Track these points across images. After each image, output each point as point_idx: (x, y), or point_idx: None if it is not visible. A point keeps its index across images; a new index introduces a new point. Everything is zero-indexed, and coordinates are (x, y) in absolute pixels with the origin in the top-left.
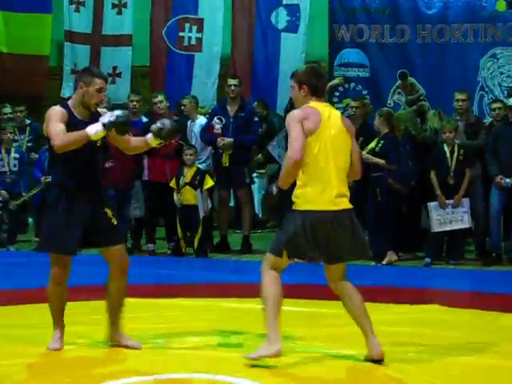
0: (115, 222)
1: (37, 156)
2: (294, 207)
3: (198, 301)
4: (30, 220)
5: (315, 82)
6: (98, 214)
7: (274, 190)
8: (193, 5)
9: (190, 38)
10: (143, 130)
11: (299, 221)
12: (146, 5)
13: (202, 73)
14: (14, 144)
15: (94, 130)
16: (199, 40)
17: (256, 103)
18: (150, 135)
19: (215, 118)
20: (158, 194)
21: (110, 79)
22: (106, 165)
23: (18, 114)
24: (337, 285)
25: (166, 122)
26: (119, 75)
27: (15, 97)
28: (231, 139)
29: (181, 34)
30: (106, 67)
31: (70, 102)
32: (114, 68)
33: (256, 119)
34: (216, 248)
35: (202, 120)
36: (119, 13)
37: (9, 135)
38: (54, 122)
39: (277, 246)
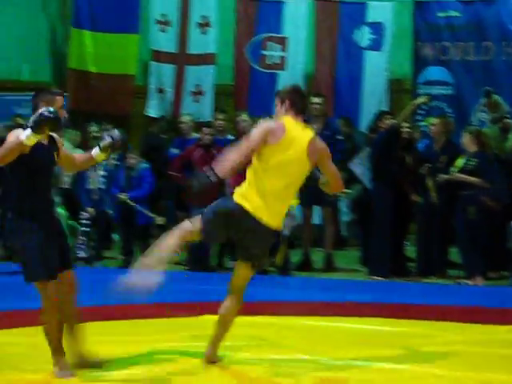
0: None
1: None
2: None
3: (280, 319)
4: (116, 236)
5: (295, 99)
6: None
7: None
8: (276, 24)
9: (273, 56)
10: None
11: (231, 204)
12: (230, 24)
13: None
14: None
15: (25, 134)
16: (282, 58)
17: (340, 121)
18: (96, 150)
19: None
20: None
21: (193, 97)
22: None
23: (101, 135)
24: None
25: (115, 134)
26: (203, 94)
27: (102, 115)
28: None
29: (264, 52)
30: (189, 86)
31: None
32: (198, 86)
33: (340, 137)
34: (298, 266)
35: None
36: (204, 32)
37: None
38: (7, 144)
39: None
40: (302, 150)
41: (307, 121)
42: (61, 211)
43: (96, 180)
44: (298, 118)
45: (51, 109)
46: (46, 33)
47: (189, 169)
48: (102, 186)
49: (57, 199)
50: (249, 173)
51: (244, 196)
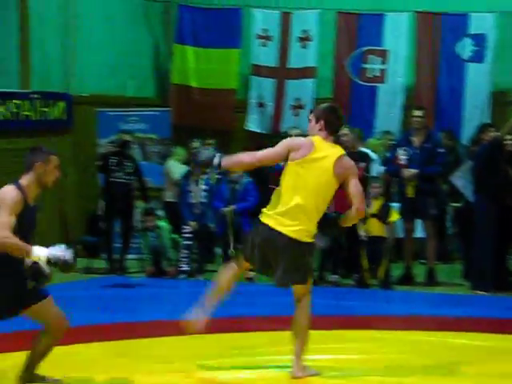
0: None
1: None
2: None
3: (382, 333)
4: (218, 250)
5: (331, 119)
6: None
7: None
8: (377, 37)
9: (373, 69)
10: None
11: (257, 226)
12: (330, 37)
13: (386, 104)
14: (203, 176)
15: (37, 254)
16: (383, 71)
17: (442, 134)
18: (36, 252)
19: (401, 149)
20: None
21: (293, 111)
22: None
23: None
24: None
25: (68, 254)
26: (302, 107)
27: (204, 130)
28: (416, 170)
29: (365, 65)
30: (289, 99)
31: (23, 183)
32: (298, 100)
33: (442, 150)
34: (400, 280)
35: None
36: (304, 46)
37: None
38: (7, 210)
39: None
40: (328, 166)
41: (337, 139)
42: (163, 224)
43: (198, 194)
44: (329, 138)
45: (67, 255)
46: (150, 49)
47: None
48: (204, 200)
49: (160, 213)
50: (275, 193)
51: (267, 215)
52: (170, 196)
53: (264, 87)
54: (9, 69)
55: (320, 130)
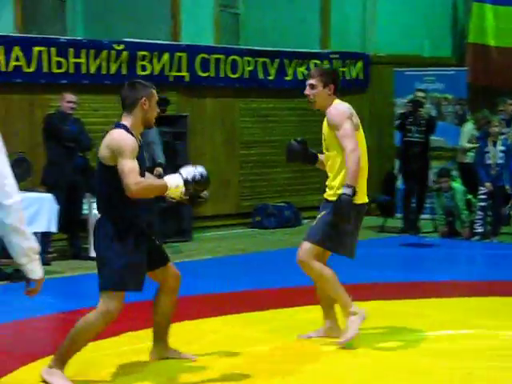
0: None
1: None
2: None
3: None
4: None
5: (338, 83)
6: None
7: None
8: None
9: None
10: None
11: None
12: None
13: None
14: (500, 137)
15: (174, 184)
16: None
17: None
18: (172, 182)
19: None
20: None
21: None
22: None
23: (504, 108)
24: None
25: (200, 169)
26: None
27: (502, 90)
28: None
29: None
30: None
31: (128, 124)
32: None
33: None
34: None
35: None
36: None
37: (496, 128)
38: (129, 157)
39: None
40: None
41: None
42: (458, 186)
43: (495, 155)
44: None
45: (204, 172)
46: (447, 9)
47: None
48: (501, 161)
49: (454, 173)
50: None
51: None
52: (464, 157)
53: None
54: (310, 30)
55: (329, 95)
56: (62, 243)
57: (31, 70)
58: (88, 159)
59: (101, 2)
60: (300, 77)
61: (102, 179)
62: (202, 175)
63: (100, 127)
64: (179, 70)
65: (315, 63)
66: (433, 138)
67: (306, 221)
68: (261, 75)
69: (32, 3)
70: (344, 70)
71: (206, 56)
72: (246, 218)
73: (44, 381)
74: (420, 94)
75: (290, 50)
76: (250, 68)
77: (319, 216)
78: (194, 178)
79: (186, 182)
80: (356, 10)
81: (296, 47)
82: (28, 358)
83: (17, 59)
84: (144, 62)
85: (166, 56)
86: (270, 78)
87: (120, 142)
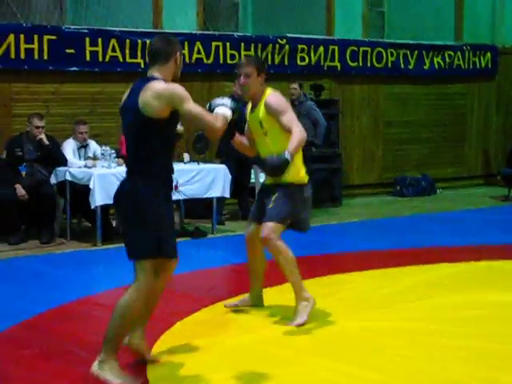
0: None
1: None
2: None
3: None
4: None
5: (266, 72)
6: None
7: None
8: None
9: None
10: None
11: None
12: None
13: None
14: None
15: (229, 113)
16: None
17: None
18: (222, 113)
19: None
20: None
21: None
22: None
23: None
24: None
25: (227, 99)
26: None
27: None
28: None
29: None
30: None
31: (163, 76)
32: None
33: None
34: None
35: None
36: None
37: None
38: (191, 101)
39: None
40: None
41: None
42: None
43: None
44: None
45: (227, 100)
46: None
47: None
48: None
49: None
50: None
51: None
52: None
53: None
54: (445, 23)
55: (261, 84)
56: (233, 207)
57: (210, 61)
58: None
59: (267, 4)
60: (436, 66)
61: (145, 133)
62: (234, 102)
63: None
64: (332, 61)
65: (449, 54)
66: None
67: (440, 190)
68: (402, 65)
69: (210, 5)
70: (475, 59)
71: (355, 48)
72: (388, 187)
73: (96, 376)
74: None
75: (427, 42)
76: (392, 59)
77: (273, 199)
78: (235, 106)
79: (232, 110)
80: (486, 5)
81: (432, 40)
82: (207, 301)
83: (198, 52)
84: (303, 54)
85: (321, 48)
86: (410, 67)
87: (175, 89)
